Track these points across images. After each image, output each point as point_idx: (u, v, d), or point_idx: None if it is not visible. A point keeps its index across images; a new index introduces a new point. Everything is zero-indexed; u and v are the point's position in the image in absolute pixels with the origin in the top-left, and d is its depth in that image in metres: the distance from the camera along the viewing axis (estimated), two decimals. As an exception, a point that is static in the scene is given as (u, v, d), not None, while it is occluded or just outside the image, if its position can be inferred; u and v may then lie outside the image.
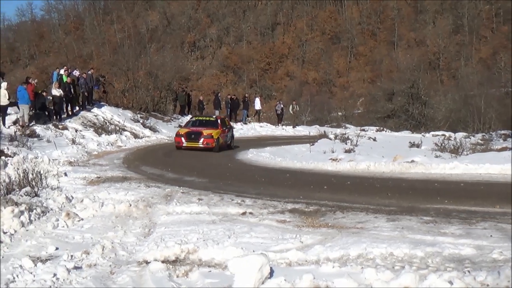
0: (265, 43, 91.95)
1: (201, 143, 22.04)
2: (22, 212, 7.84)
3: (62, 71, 26.85)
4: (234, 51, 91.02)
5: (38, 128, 22.10)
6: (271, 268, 5.43)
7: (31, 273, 5.53)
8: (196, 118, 25.35)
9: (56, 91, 24.69)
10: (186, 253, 6.52)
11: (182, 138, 22.12)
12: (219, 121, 24.25)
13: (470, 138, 24.39)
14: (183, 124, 27.15)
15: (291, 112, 38.73)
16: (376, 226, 7.57)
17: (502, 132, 27.82)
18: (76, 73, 28.59)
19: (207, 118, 25.09)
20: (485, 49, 77.93)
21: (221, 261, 6.18)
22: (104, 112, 29.31)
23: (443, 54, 78.28)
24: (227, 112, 36.32)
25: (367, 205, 9.19)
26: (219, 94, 38.30)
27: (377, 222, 7.83)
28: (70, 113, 26.86)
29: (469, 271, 5.27)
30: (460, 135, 26.98)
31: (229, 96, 37.92)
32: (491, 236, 6.66)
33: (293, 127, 37.09)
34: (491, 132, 28.10)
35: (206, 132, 22.41)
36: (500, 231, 6.87)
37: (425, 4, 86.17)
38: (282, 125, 37.87)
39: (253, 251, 6.24)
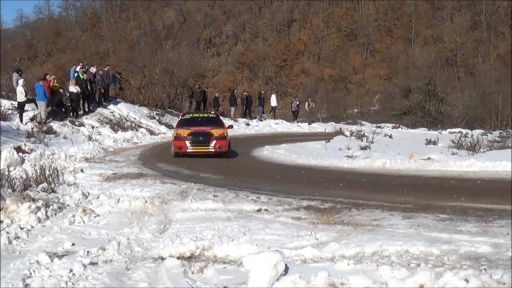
0: (281, 40, 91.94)
1: (212, 146, 17.96)
2: (39, 208, 7.91)
3: (78, 68, 27.03)
4: (250, 48, 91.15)
5: (55, 125, 22.28)
6: (286, 265, 5.42)
7: (48, 268, 5.57)
8: (192, 115, 21.13)
9: (73, 88, 24.88)
10: (201, 249, 6.53)
11: (186, 142, 17.84)
12: (220, 117, 20.91)
13: (487, 135, 24.18)
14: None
15: (307, 109, 38.70)
16: (392, 223, 7.53)
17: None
18: (93, 70, 28.77)
19: (206, 115, 21.34)
20: (503, 45, 77.26)
21: (236, 257, 6.18)
22: (120, 109, 29.49)
23: (460, 51, 77.75)
24: (243, 109, 36.42)
25: (383, 203, 9.15)
26: (235, 91, 38.35)
27: (392, 219, 7.79)
28: (86, 109, 27.06)
29: (485, 269, 5.24)
30: (477, 132, 26.80)
31: (245, 93, 37.98)
32: (508, 234, 6.59)
33: (309, 124, 37.03)
34: (508, 129, 27.84)
35: (216, 131, 18.34)
36: (517, 229, 6.80)
37: (443, 0, 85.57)
38: (297, 122, 37.84)
39: (268, 248, 6.24)
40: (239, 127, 32.19)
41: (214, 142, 18.02)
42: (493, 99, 37.89)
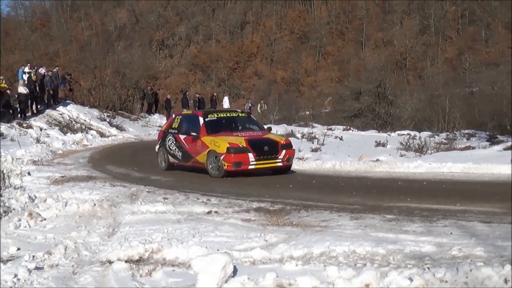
0: (234, 42, 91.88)
1: (280, 159, 13.68)
2: (-17, 212, 7.73)
3: (26, 69, 26.52)
4: (203, 49, 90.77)
5: (2, 127, 21.81)
6: (234, 266, 5.45)
7: (-9, 273, 5.45)
8: (217, 114, 15.29)
9: (23, 89, 24.38)
10: (150, 252, 6.51)
11: (250, 155, 13.28)
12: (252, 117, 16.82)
13: (434, 137, 24.72)
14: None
15: (259, 111, 38.82)
16: (340, 224, 7.64)
17: (466, 131, 28.28)
18: (42, 71, 28.26)
19: (235, 114, 15.97)
20: (450, 49, 79.07)
21: (185, 260, 6.18)
22: (70, 111, 29.07)
23: (409, 54, 79.18)
24: (195, 111, 36.35)
25: (332, 204, 9.27)
26: (187, 93, 38.23)
27: (341, 220, 7.91)
28: (35, 111, 26.54)
29: (428, 268, 5.35)
30: (424, 134, 27.34)
31: (197, 95, 37.92)
32: (451, 233, 6.76)
33: (261, 126, 37.11)
34: (455, 132, 28.52)
35: (279, 138, 14.72)
36: (460, 229, 6.98)
37: (393, 4, 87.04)
38: (250, 124, 37.83)
39: (218, 250, 6.25)
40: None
41: (283, 152, 13.74)
42: (440, 101, 38.70)
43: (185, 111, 18.28)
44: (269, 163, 13.53)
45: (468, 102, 39.89)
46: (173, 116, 16.38)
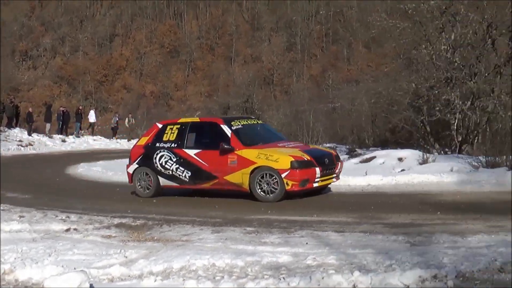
0: (103, 55, 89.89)
1: (336, 173, 11.68)
2: None
3: None
4: (70, 61, 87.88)
5: None
6: (91, 285, 5.36)
7: None
8: (241, 122, 12.15)
9: None
10: (2, 274, 6.21)
11: (317, 170, 10.80)
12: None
13: (299, 151, 25.51)
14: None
15: (127, 125, 38.21)
16: (201, 238, 7.71)
17: (328, 145, 29.45)
18: None
19: (254, 121, 13.04)
20: (315, 66, 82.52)
21: (39, 280, 5.96)
22: None
23: (277, 70, 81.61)
24: (59, 125, 35.08)
25: (194, 218, 9.34)
26: (51, 106, 36.88)
27: (202, 234, 7.97)
28: None
29: (284, 278, 5.54)
30: (290, 148, 28.14)
31: (61, 109, 36.65)
32: (307, 243, 7.03)
33: (128, 141, 36.44)
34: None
35: (329, 149, 13.05)
36: (315, 238, 7.28)
37: (262, 21, 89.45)
38: (116, 138, 37.13)
39: (74, 268, 6.10)
40: (54, 144, 31.16)
41: (339, 165, 11.80)
42: (305, 116, 40.06)
43: (182, 119, 12.95)
44: (328, 179, 11.37)
45: (330, 117, 41.68)
46: (159, 126, 12.67)
